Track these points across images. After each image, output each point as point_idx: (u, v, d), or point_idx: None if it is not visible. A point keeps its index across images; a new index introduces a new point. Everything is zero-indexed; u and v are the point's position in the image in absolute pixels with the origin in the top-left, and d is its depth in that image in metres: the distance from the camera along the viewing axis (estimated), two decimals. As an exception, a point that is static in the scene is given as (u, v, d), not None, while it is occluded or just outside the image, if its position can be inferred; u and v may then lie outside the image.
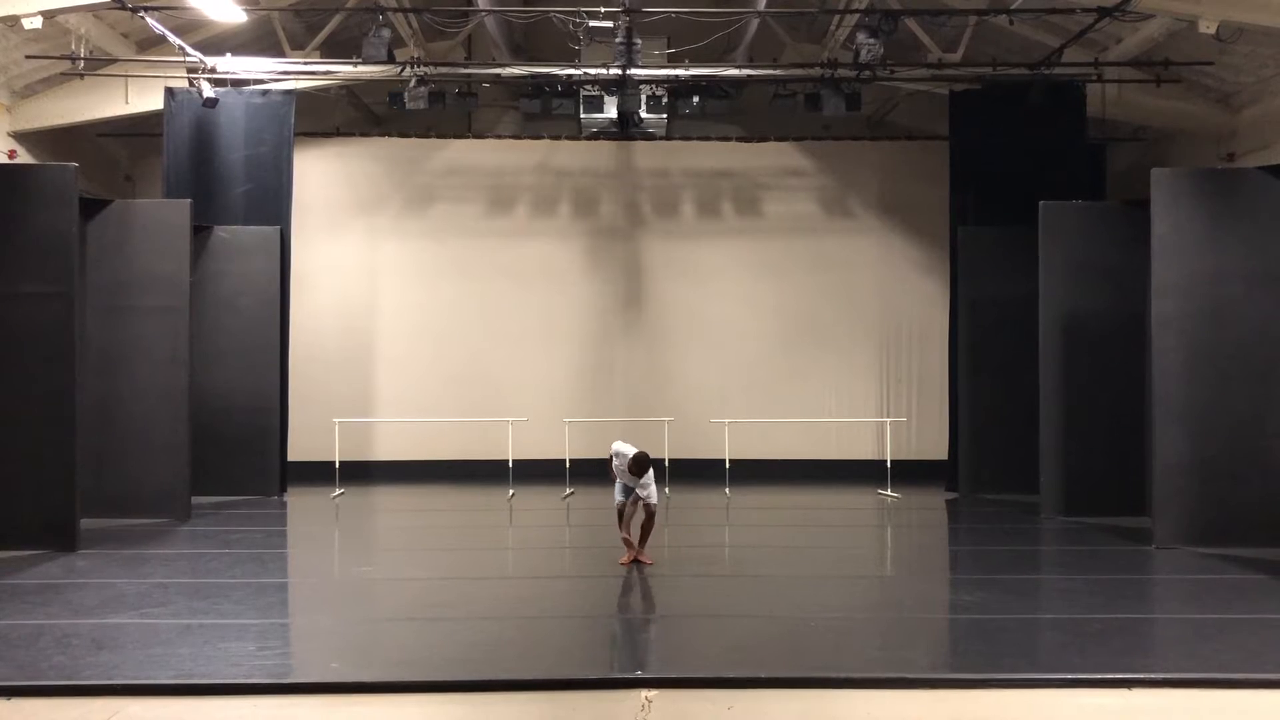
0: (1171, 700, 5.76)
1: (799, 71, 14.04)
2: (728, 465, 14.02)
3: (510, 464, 14.01)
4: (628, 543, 9.17)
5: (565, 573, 9.84)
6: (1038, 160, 13.44)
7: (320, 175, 15.89)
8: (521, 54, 15.19)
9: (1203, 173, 11.02)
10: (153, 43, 13.52)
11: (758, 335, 16.20)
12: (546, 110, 14.50)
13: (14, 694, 5.77)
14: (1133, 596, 8.49)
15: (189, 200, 12.35)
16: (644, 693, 5.78)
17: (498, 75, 14.26)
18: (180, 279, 11.83)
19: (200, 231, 13.06)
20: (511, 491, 13.83)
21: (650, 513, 9.13)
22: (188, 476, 11.71)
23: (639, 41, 12.96)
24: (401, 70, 13.67)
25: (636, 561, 9.12)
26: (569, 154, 16.38)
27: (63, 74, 13.33)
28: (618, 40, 12.65)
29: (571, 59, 13.92)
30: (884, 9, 12.59)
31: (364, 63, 13.39)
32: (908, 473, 14.58)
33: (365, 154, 16.31)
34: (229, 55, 13.71)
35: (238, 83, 13.82)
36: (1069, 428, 11.91)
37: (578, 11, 12.35)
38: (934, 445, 15.22)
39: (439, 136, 16.27)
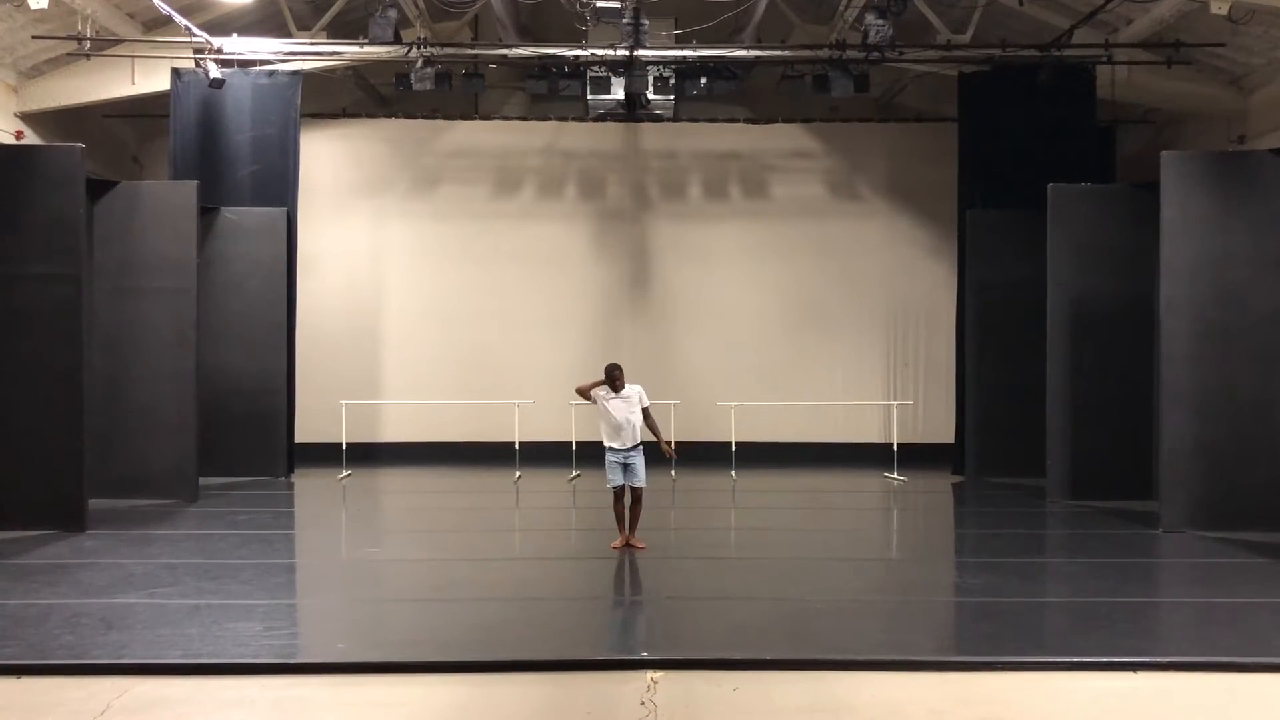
0: (1177, 683, 5.77)
1: (807, 53, 13.98)
2: (733, 448, 14.02)
3: (516, 446, 14.03)
4: (620, 525, 9.18)
5: (571, 554, 9.85)
6: (1047, 142, 13.36)
7: (326, 157, 15.87)
8: (528, 35, 15.12)
9: (1213, 155, 10.97)
10: (159, 23, 13.48)
11: (764, 318, 16.17)
12: (553, 91, 14.44)
13: (23, 673, 5.80)
14: (1138, 580, 8.48)
15: (196, 181, 12.32)
16: (649, 674, 5.79)
17: (504, 56, 14.20)
18: (187, 260, 11.82)
19: (207, 213, 13.05)
20: (518, 474, 13.86)
21: (637, 495, 9.13)
22: (195, 458, 11.74)
23: (646, 22, 12.90)
24: (408, 51, 13.62)
25: (629, 546, 9.13)
26: (576, 136, 16.33)
27: (69, 55, 13.30)
28: (625, 21, 12.59)
29: (578, 40, 13.86)
30: (893, -10, 12.51)
31: (370, 43, 13.37)
32: (914, 456, 14.58)
33: (371, 135, 16.28)
34: (235, 36, 13.68)
35: (244, 63, 13.78)
36: (1076, 411, 11.89)
37: (585, -8, 12.28)
38: (940, 428, 15.21)
39: (445, 118, 16.23)
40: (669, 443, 9.55)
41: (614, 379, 9.09)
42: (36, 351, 9.98)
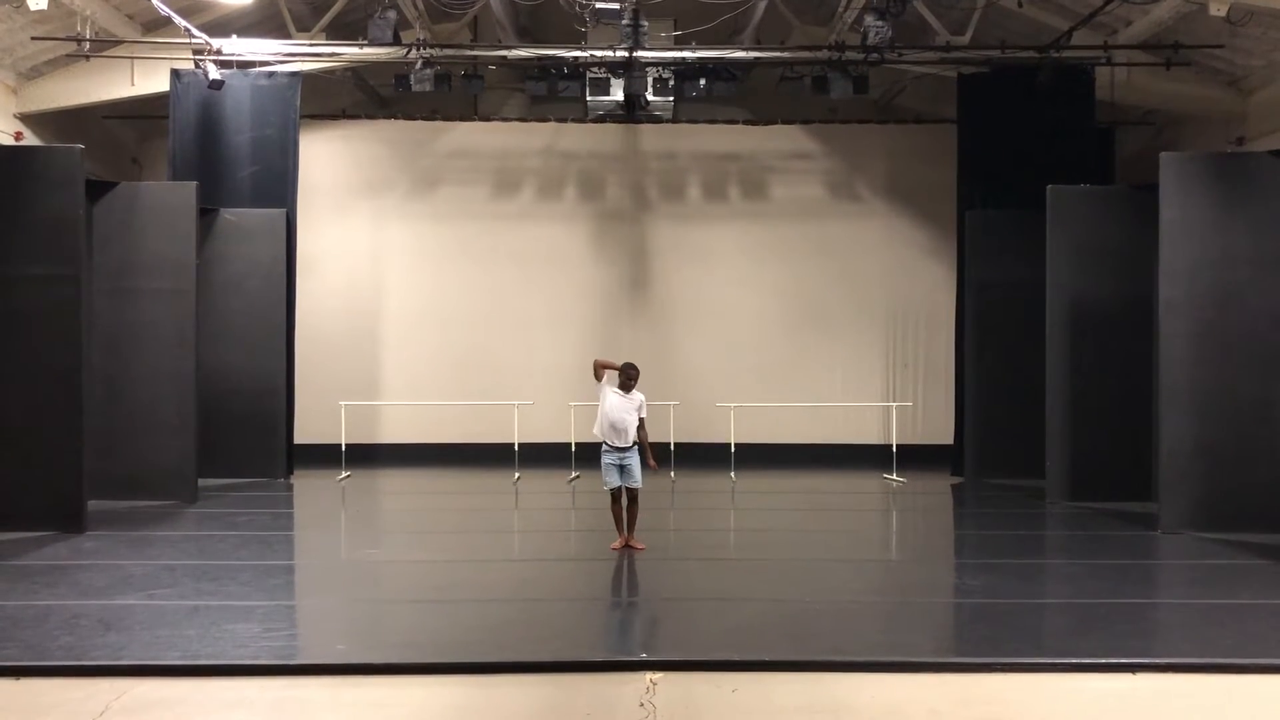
0: (1175, 684, 5.77)
1: (806, 54, 13.99)
2: (733, 449, 14.01)
3: (516, 447, 14.03)
4: (619, 526, 9.19)
5: (570, 555, 9.86)
6: (1046, 144, 13.37)
7: (326, 158, 15.87)
8: (527, 36, 15.13)
9: (1212, 157, 10.97)
10: (158, 24, 13.48)
11: (763, 319, 16.18)
12: (552, 93, 14.44)
13: (22, 674, 5.79)
14: (1137, 581, 8.47)
15: (195, 183, 12.31)
16: (649, 675, 5.79)
17: (504, 57, 14.21)
18: (186, 261, 11.82)
19: (206, 214, 13.05)
20: (517, 475, 13.85)
21: (633, 496, 9.13)
22: (194, 459, 11.74)
23: (645, 23, 12.91)
24: (407, 52, 13.63)
25: (629, 547, 9.13)
26: (575, 137, 16.33)
27: (68, 56, 13.31)
28: (624, 22, 12.60)
29: (578, 41, 13.87)
30: (892, -9, 12.51)
31: (369, 45, 13.38)
32: (913, 457, 14.58)
33: (371, 136, 16.28)
34: (234, 37, 13.70)
35: (243, 65, 13.79)
36: (1075, 413, 11.89)
37: (584, -7, 12.29)
38: (940, 430, 15.22)
39: (444, 119, 16.24)
40: (653, 450, 9.44)
41: (628, 377, 9.09)
42: (36, 352, 9.97)
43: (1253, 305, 10.14)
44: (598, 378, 9.15)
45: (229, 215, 13.63)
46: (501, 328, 16.11)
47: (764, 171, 16.42)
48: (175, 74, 13.60)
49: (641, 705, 5.39)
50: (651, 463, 9.22)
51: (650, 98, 14.39)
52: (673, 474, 13.55)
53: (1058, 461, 11.92)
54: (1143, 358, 11.65)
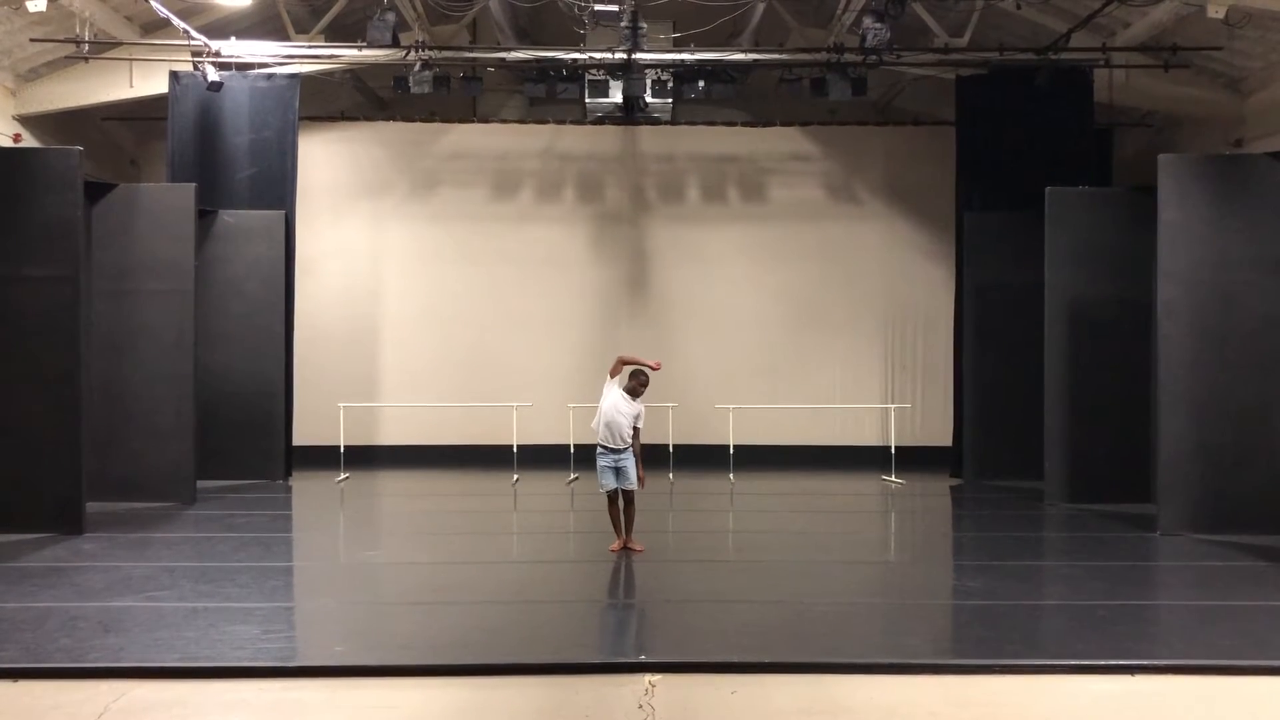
0: (1174, 686, 5.77)
1: (805, 56, 14.00)
2: (732, 451, 14.02)
3: (514, 449, 14.03)
4: (616, 528, 9.19)
5: (569, 557, 9.86)
6: (1045, 145, 13.40)
7: (325, 160, 15.87)
8: (526, 38, 15.14)
9: (1210, 158, 10.97)
10: (157, 26, 13.48)
11: (762, 320, 16.18)
12: (551, 95, 14.45)
13: (20, 676, 5.79)
14: (1136, 583, 8.48)
15: (194, 184, 12.32)
16: (647, 677, 5.79)
17: (502, 59, 14.21)
18: (185, 263, 11.82)
19: (205, 216, 13.04)
20: (516, 476, 13.85)
21: (629, 498, 9.12)
22: (193, 460, 11.73)
23: (644, 25, 12.92)
24: (406, 54, 13.64)
25: (627, 549, 9.13)
26: (574, 139, 16.34)
27: (67, 57, 13.32)
28: (623, 24, 12.60)
29: (576, 43, 13.87)
30: (890, -7, 12.52)
31: (368, 46, 13.38)
32: (912, 459, 14.58)
33: (370, 138, 16.28)
34: (233, 39, 13.70)
35: (242, 66, 13.79)
36: (1074, 414, 11.90)
37: (583, -5, 12.30)
38: (939, 431, 15.22)
39: (443, 121, 16.24)
40: (647, 453, 9.39)
41: (639, 383, 9.05)
42: (34, 354, 9.97)
43: (1251, 307, 10.15)
44: (612, 374, 9.13)
45: (228, 217, 13.62)
46: (500, 329, 16.11)
47: (763, 173, 16.43)
48: (174, 76, 13.60)
49: (640, 707, 5.40)
50: (640, 474, 9.18)
51: (649, 99, 14.39)
52: (671, 476, 13.54)
53: (1056, 463, 11.93)
54: (1141, 359, 11.65)
